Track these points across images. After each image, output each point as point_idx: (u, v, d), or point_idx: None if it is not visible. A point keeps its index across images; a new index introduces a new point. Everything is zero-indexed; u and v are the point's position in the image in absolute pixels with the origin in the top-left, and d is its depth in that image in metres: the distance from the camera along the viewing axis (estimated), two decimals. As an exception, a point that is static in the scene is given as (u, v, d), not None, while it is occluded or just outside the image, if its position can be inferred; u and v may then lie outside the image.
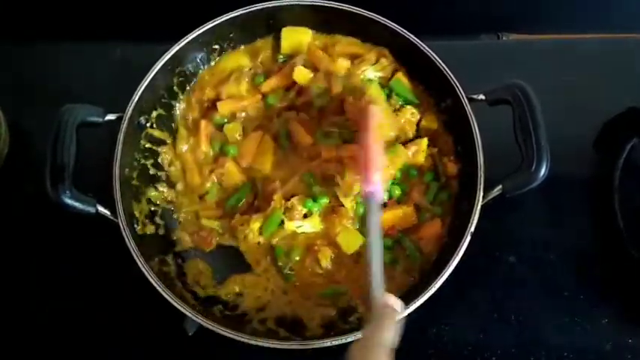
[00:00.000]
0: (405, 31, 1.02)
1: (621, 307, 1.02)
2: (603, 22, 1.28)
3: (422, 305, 0.86)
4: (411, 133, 1.04)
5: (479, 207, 0.88)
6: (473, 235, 0.89)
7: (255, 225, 0.98)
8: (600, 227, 1.07)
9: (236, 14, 1.05)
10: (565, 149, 1.08)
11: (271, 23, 1.09)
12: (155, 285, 0.87)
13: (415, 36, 1.03)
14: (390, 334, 0.70)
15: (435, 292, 0.87)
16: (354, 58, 1.08)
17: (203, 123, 1.06)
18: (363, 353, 0.70)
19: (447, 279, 0.88)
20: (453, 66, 1.00)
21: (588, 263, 1.05)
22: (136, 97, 0.98)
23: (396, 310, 0.74)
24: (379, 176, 0.88)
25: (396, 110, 1.04)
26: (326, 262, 0.98)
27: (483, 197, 0.89)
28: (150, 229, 1.00)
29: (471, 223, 0.88)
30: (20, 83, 1.16)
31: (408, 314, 0.86)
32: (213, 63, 1.11)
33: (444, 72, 0.98)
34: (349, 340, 0.85)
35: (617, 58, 1.22)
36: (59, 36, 1.22)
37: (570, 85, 1.18)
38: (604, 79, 1.19)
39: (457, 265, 0.88)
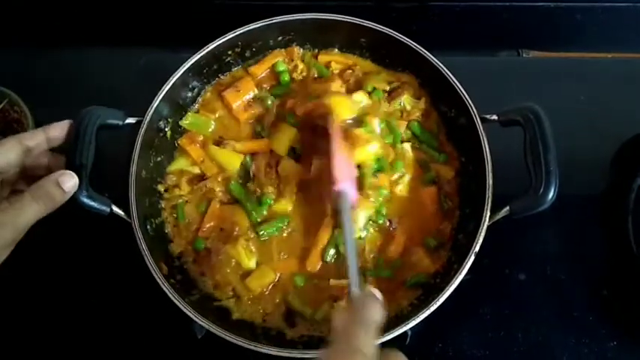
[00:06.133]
0: (420, 47, 1.02)
1: (630, 330, 1.01)
2: (626, 43, 1.27)
3: (428, 320, 0.86)
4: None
5: (485, 227, 0.88)
6: (483, 249, 0.89)
7: None
8: (612, 249, 1.07)
9: (254, 27, 1.06)
10: (580, 169, 1.09)
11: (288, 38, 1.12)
12: (163, 287, 0.88)
13: (433, 52, 1.02)
14: (375, 317, 0.69)
15: (442, 307, 0.86)
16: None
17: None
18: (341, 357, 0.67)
19: (455, 295, 0.87)
20: (471, 82, 1.00)
21: (599, 284, 1.05)
22: (155, 103, 1.00)
23: (377, 298, 0.73)
24: (349, 177, 0.91)
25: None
26: None
27: (490, 217, 0.89)
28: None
29: (476, 243, 0.88)
30: (49, 86, 1.20)
31: (414, 328, 0.86)
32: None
33: (458, 90, 0.98)
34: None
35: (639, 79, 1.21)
36: (87, 43, 1.28)
37: (590, 103, 1.18)
38: (624, 99, 1.18)
39: (466, 280, 0.88)
